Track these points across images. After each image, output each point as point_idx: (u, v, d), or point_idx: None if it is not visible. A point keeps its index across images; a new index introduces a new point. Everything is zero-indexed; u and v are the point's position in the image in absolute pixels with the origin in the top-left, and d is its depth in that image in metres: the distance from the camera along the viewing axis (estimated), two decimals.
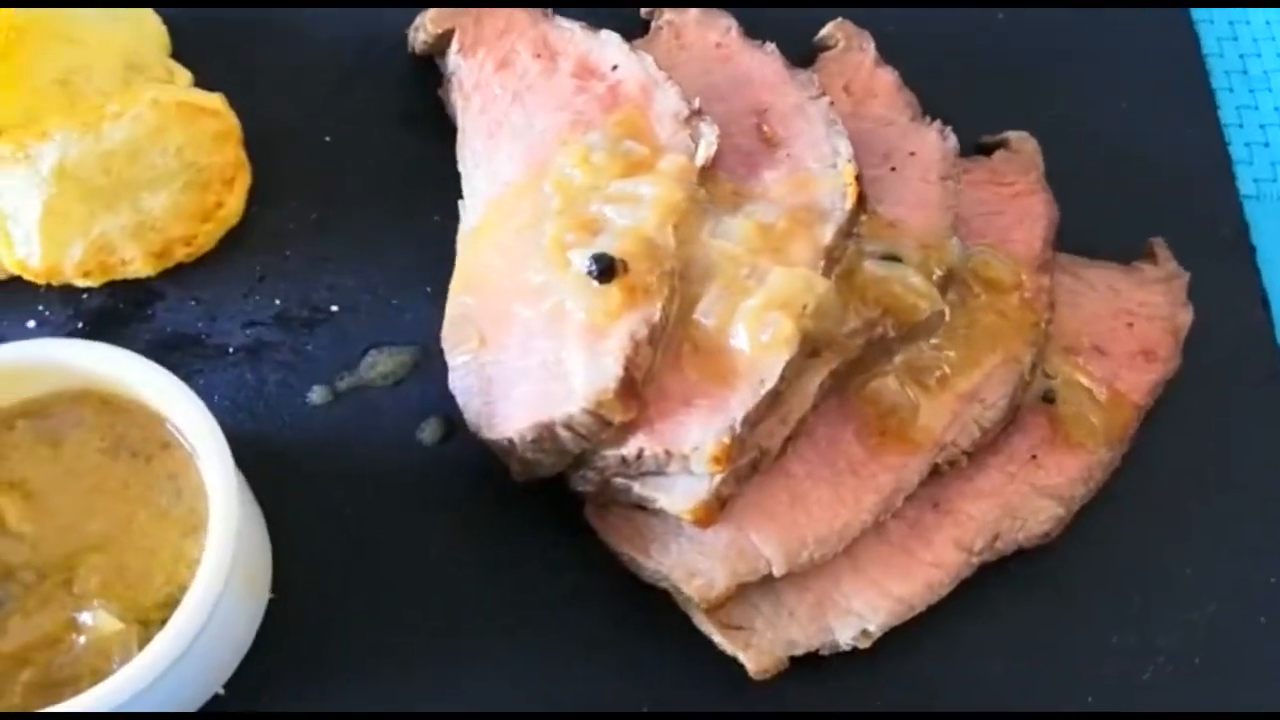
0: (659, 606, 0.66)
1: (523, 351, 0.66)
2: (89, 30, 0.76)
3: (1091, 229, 0.76)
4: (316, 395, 0.72)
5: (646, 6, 0.83)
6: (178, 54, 0.80)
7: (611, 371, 0.62)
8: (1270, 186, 0.81)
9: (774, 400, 0.63)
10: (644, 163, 0.69)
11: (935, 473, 0.67)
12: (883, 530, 0.67)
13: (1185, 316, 0.73)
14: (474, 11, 0.78)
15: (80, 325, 0.74)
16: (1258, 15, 0.86)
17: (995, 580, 0.67)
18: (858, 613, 0.65)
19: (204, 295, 0.75)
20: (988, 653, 0.66)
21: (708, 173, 0.69)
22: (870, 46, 0.80)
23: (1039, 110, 0.81)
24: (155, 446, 0.64)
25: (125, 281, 0.74)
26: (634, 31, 0.81)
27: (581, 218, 0.68)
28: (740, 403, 0.63)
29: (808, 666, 0.65)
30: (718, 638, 0.65)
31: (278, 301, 0.75)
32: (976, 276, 0.70)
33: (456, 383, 0.69)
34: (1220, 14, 0.86)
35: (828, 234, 0.66)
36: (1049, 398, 0.70)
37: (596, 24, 0.78)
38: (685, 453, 0.62)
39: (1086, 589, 0.68)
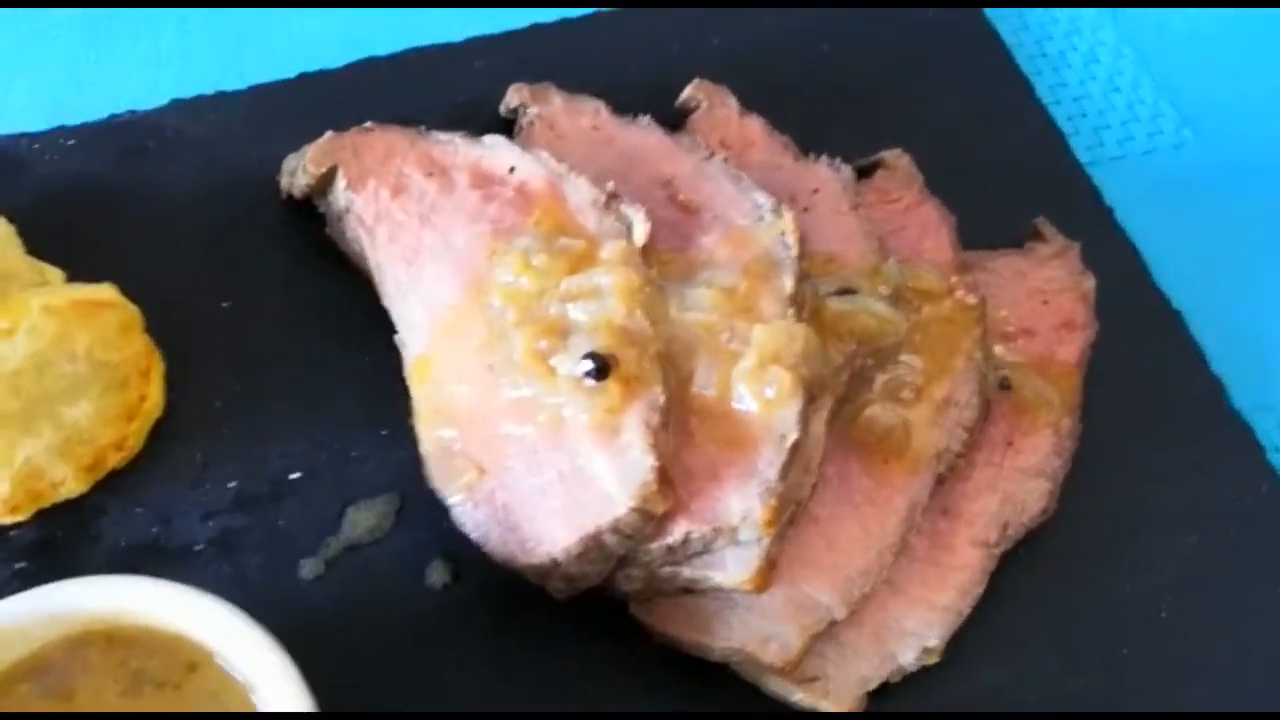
0: (719, 692, 0.66)
1: (532, 470, 0.65)
2: None
3: (968, 226, 0.82)
4: (308, 568, 0.68)
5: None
6: (34, 252, 0.74)
7: (645, 464, 0.62)
8: (1100, 151, 0.89)
9: (796, 451, 0.64)
10: (586, 255, 0.69)
11: (937, 482, 0.71)
12: (908, 549, 0.69)
13: (1088, 282, 0.79)
14: (349, 142, 0.76)
15: (21, 565, 0.66)
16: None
17: (1017, 566, 0.71)
18: (914, 632, 0.67)
19: (148, 499, 0.69)
20: (1036, 630, 0.69)
21: (649, 251, 0.70)
22: (732, 99, 0.83)
23: (877, 127, 0.86)
24: (182, 671, 0.59)
25: (56, 507, 0.68)
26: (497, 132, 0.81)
27: (545, 323, 0.67)
28: (768, 462, 0.64)
29: (882, 697, 0.67)
30: (798, 695, 0.65)
31: (231, 485, 0.70)
32: (912, 290, 0.74)
33: (465, 518, 0.66)
34: (1008, 13, 0.94)
35: (788, 282, 0.68)
36: (1005, 385, 0.74)
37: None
38: (734, 524, 0.62)
39: (1092, 548, 0.72)
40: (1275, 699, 0.69)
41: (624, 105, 0.81)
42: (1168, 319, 0.81)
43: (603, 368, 0.64)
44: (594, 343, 0.65)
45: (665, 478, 0.62)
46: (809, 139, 0.82)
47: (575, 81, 0.83)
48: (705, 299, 0.68)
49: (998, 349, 0.76)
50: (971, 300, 0.74)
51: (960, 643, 0.68)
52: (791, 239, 0.70)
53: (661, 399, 0.64)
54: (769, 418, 0.64)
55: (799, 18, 0.91)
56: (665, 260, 0.70)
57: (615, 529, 0.62)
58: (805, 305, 0.68)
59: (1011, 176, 0.86)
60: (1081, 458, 0.74)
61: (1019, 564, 0.71)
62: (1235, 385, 0.79)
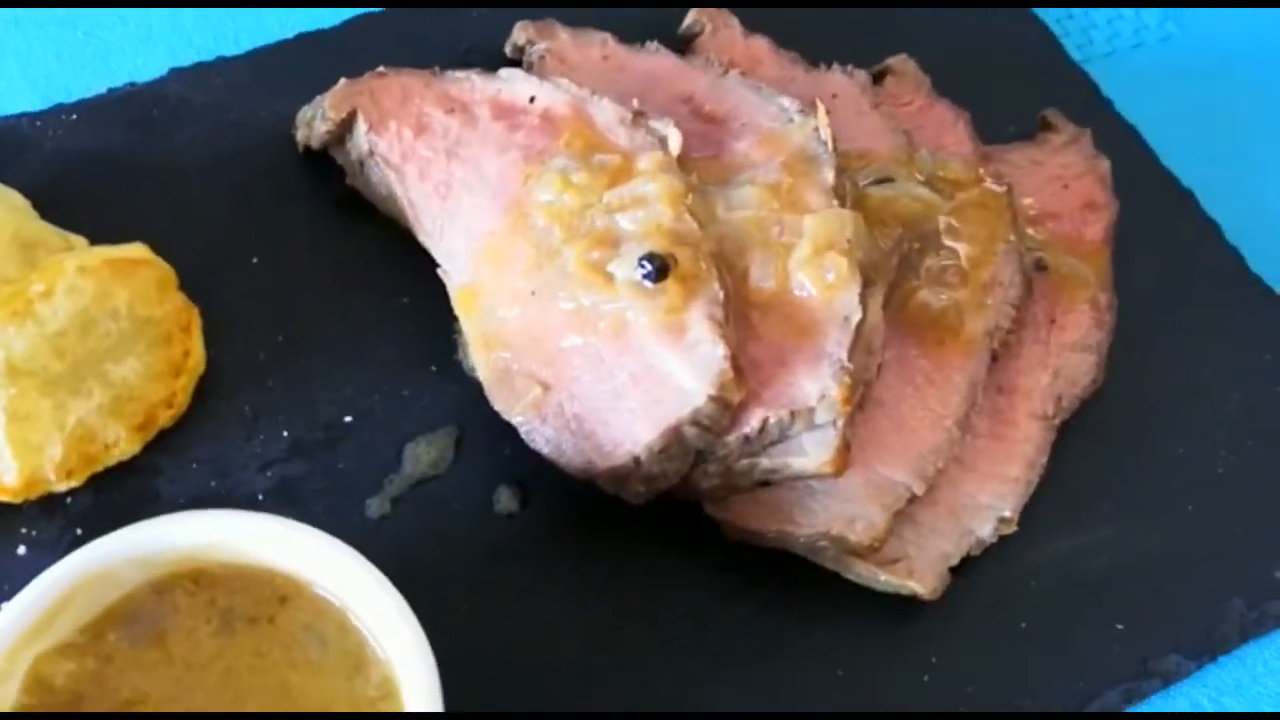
0: (800, 589, 0.66)
1: (601, 377, 0.64)
2: None
3: (977, 126, 0.82)
4: (374, 507, 0.67)
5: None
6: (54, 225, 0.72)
7: (716, 354, 0.61)
8: (1091, 49, 0.90)
9: (860, 331, 0.64)
10: (624, 169, 0.68)
11: (991, 360, 0.71)
12: (971, 428, 0.69)
13: (1103, 164, 0.80)
14: (365, 88, 0.75)
15: (79, 533, 0.64)
16: None
17: (1074, 436, 0.72)
18: (989, 505, 0.67)
19: (202, 455, 0.67)
20: (1101, 496, 0.70)
21: (684, 161, 0.69)
22: (735, 21, 0.83)
23: (873, 40, 0.86)
24: (274, 605, 0.57)
25: (110, 471, 0.66)
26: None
27: (595, 235, 0.66)
28: (836, 343, 0.63)
29: (967, 572, 0.67)
30: (884, 576, 0.65)
31: (285, 434, 0.68)
32: (942, 180, 0.75)
33: (535, 435, 0.65)
34: None
35: (829, 175, 0.68)
36: (1041, 266, 0.75)
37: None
38: (811, 405, 0.62)
39: (1143, 415, 0.73)
40: None
41: (627, 38, 0.82)
42: (1180, 197, 0.83)
43: (661, 268, 0.63)
44: (647, 248, 0.65)
45: (739, 366, 0.62)
46: (810, 54, 0.84)
47: (574, 21, 0.83)
48: (751, 196, 0.68)
49: (1030, 232, 0.77)
50: (999, 188, 0.75)
51: (1030, 513, 0.68)
52: (825, 133, 0.70)
53: (721, 294, 0.64)
54: (830, 301, 0.64)
55: None
56: (702, 167, 0.70)
57: (695, 420, 0.62)
58: (848, 196, 0.69)
59: (1011, 77, 0.87)
60: (1120, 331, 0.75)
61: (1076, 434, 0.72)
62: (1250, 255, 0.81)
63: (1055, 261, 0.76)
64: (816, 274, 0.65)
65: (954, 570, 0.66)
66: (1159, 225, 0.81)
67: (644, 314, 0.64)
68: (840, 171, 0.69)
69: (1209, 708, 0.67)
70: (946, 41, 0.88)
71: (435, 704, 0.54)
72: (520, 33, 0.81)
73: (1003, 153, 0.81)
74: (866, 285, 0.66)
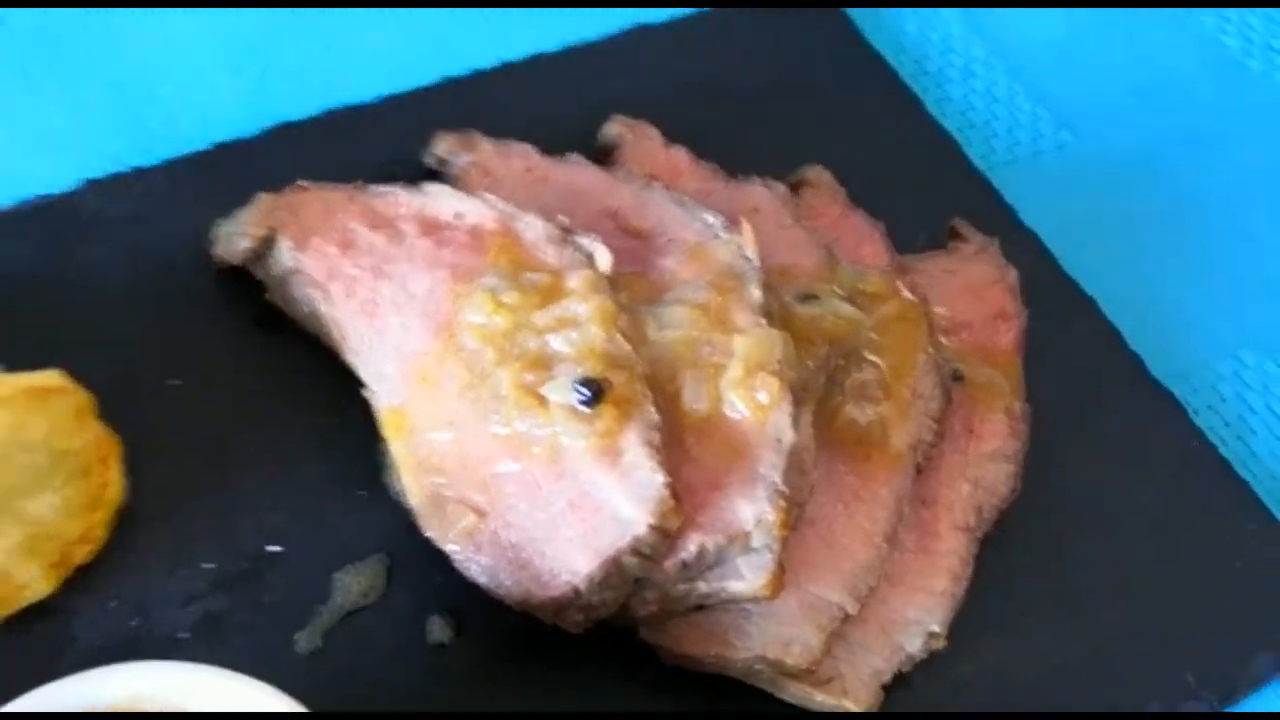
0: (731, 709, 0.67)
1: (537, 504, 0.64)
2: None
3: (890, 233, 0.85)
4: (303, 642, 0.65)
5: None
6: None
7: (655, 482, 0.61)
8: (993, 158, 0.93)
9: (793, 453, 0.65)
10: (554, 288, 0.69)
11: (916, 477, 0.72)
12: (897, 543, 0.71)
13: (1012, 274, 0.83)
14: (286, 203, 0.74)
15: None
16: (910, 24, 1.00)
17: (996, 548, 0.73)
18: (917, 620, 0.68)
19: (120, 592, 0.65)
20: (1026, 605, 0.72)
21: (613, 278, 0.70)
22: (654, 131, 0.84)
23: (779, 151, 0.88)
24: None
25: (21, 613, 0.63)
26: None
27: (528, 357, 0.66)
28: (770, 465, 0.64)
29: (899, 689, 0.68)
30: (819, 697, 0.65)
31: (208, 566, 0.66)
32: (861, 293, 0.76)
33: (469, 564, 0.64)
34: (884, 34, 0.99)
35: (755, 292, 0.69)
36: (958, 376, 0.77)
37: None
38: (748, 529, 0.63)
39: (1061, 524, 0.75)
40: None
41: (548, 149, 0.82)
42: (1081, 304, 0.86)
43: (597, 393, 0.64)
44: (581, 370, 0.65)
45: (676, 493, 0.62)
46: (722, 164, 0.85)
47: (495, 131, 0.83)
48: (680, 316, 0.68)
49: (944, 343, 0.79)
50: (917, 299, 0.77)
51: (960, 625, 0.70)
52: (750, 251, 0.71)
53: (656, 417, 0.64)
54: (763, 423, 0.65)
55: (694, 57, 0.94)
56: (630, 284, 0.71)
57: (635, 549, 0.61)
58: (775, 314, 0.70)
59: (916, 185, 0.89)
60: (1032, 439, 0.78)
61: (997, 545, 0.73)
62: (1150, 358, 0.84)
63: (971, 371, 0.78)
64: (748, 395, 0.66)
65: (886, 687, 0.67)
66: (1063, 332, 0.83)
67: (579, 438, 0.64)
68: (767, 289, 0.71)
69: None
70: (852, 148, 0.90)
71: None
72: (441, 144, 0.81)
73: (916, 262, 0.83)
74: (797, 405, 0.67)
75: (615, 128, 0.84)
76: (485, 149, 0.81)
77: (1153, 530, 0.76)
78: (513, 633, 0.66)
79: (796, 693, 0.66)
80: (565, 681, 0.66)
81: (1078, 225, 0.90)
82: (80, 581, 0.64)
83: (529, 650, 0.66)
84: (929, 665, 0.68)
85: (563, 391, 0.64)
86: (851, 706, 0.65)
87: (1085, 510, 0.76)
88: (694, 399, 0.66)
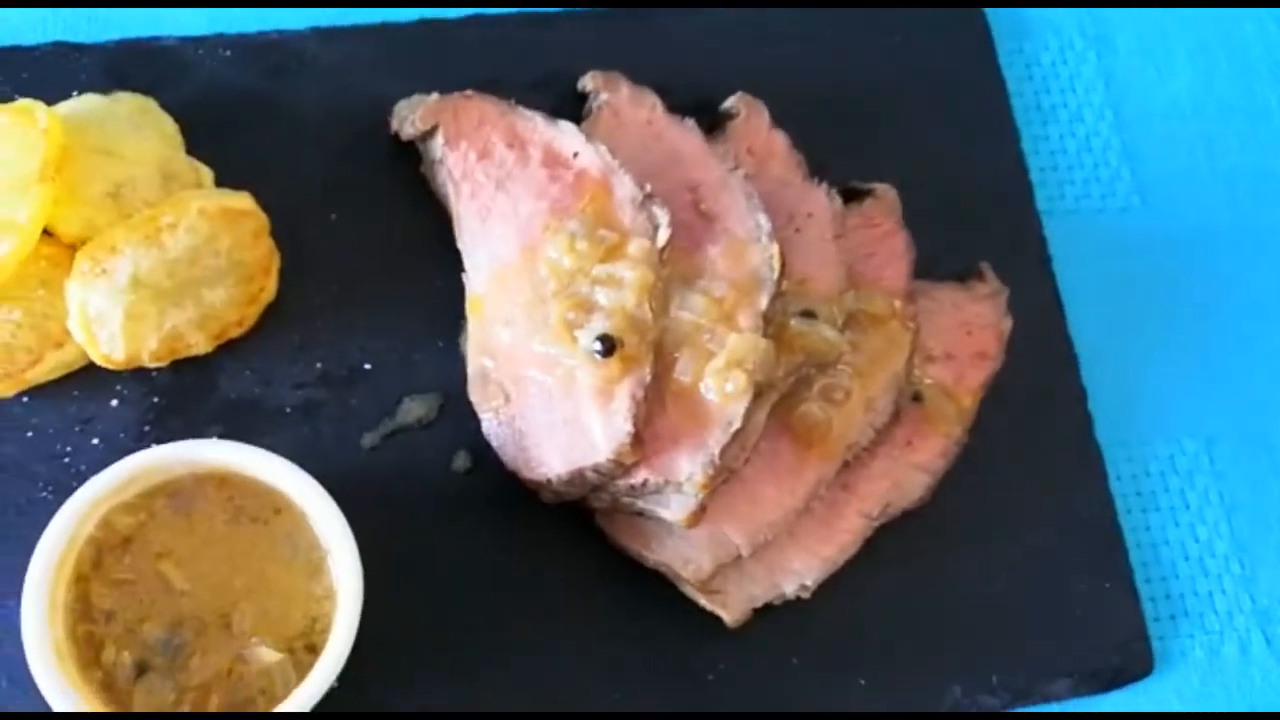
0: (655, 585, 0.90)
1: (545, 410, 0.87)
2: (123, 143, 0.89)
3: (928, 244, 0.99)
4: (367, 440, 0.91)
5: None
6: (190, 150, 0.93)
7: (625, 429, 0.84)
8: (1059, 204, 1.06)
9: (738, 435, 0.86)
10: (617, 248, 0.88)
11: (844, 464, 0.92)
12: (811, 511, 0.92)
13: (1007, 323, 0.98)
14: (451, 106, 0.94)
15: (156, 400, 0.89)
16: (1046, 54, 1.10)
17: (887, 536, 0.93)
18: (797, 571, 0.90)
19: (255, 365, 0.91)
20: (887, 585, 0.93)
21: (666, 252, 0.89)
22: (765, 113, 1.00)
23: (877, 150, 1.03)
24: (269, 512, 0.82)
25: (186, 360, 0.90)
26: (569, 107, 0.99)
27: (576, 299, 0.87)
28: (715, 441, 0.85)
29: (764, 614, 0.90)
30: (703, 601, 0.88)
31: (319, 365, 0.92)
32: (863, 313, 0.94)
33: (490, 431, 0.89)
34: (1018, 57, 1.10)
35: (764, 301, 0.88)
36: (917, 397, 0.95)
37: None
38: (680, 480, 0.85)
39: (952, 536, 0.95)
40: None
41: (679, 98, 0.99)
42: (1064, 359, 1.01)
43: (610, 348, 0.85)
44: (609, 324, 0.86)
45: (638, 440, 0.84)
46: (814, 146, 1.00)
47: (646, 65, 1.00)
48: (699, 304, 0.88)
49: (922, 366, 0.96)
50: (909, 327, 0.94)
51: (827, 585, 0.91)
52: (776, 265, 0.89)
53: (648, 378, 0.85)
54: (724, 407, 0.86)
55: (830, 46, 1.07)
56: (679, 263, 0.90)
57: (595, 469, 0.84)
58: (773, 321, 0.88)
59: (975, 214, 1.03)
60: (961, 462, 0.96)
61: (885, 534, 0.93)
62: (1102, 421, 0.99)
63: (931, 396, 0.95)
64: (721, 383, 0.86)
65: (756, 610, 0.90)
66: (1034, 379, 0.99)
67: (589, 377, 0.86)
68: (777, 295, 0.89)
69: None
70: (939, 162, 1.04)
71: (354, 613, 0.79)
72: (589, 80, 0.99)
73: (932, 289, 0.99)
74: (756, 399, 0.87)
75: (735, 101, 1.00)
76: (623, 93, 0.98)
77: (1020, 561, 0.95)
78: (511, 484, 0.90)
79: (689, 592, 0.89)
80: (537, 530, 0.91)
81: (1102, 286, 1.04)
82: (229, 351, 0.91)
83: (518, 499, 0.90)
84: (792, 605, 0.90)
85: (588, 338, 0.85)
86: (725, 616, 0.89)
87: (976, 528, 0.95)
88: (683, 371, 0.86)
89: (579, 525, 0.90)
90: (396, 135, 0.97)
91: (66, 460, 0.87)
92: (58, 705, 0.76)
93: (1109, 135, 1.09)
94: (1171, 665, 0.95)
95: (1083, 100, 1.10)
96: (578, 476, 0.85)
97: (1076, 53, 1.11)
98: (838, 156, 1.00)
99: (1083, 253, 1.05)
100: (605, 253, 0.88)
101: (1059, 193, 1.07)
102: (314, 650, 0.79)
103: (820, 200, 0.97)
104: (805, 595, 0.90)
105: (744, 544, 0.88)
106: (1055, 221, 1.05)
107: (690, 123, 0.98)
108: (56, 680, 0.76)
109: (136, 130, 0.90)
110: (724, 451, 0.85)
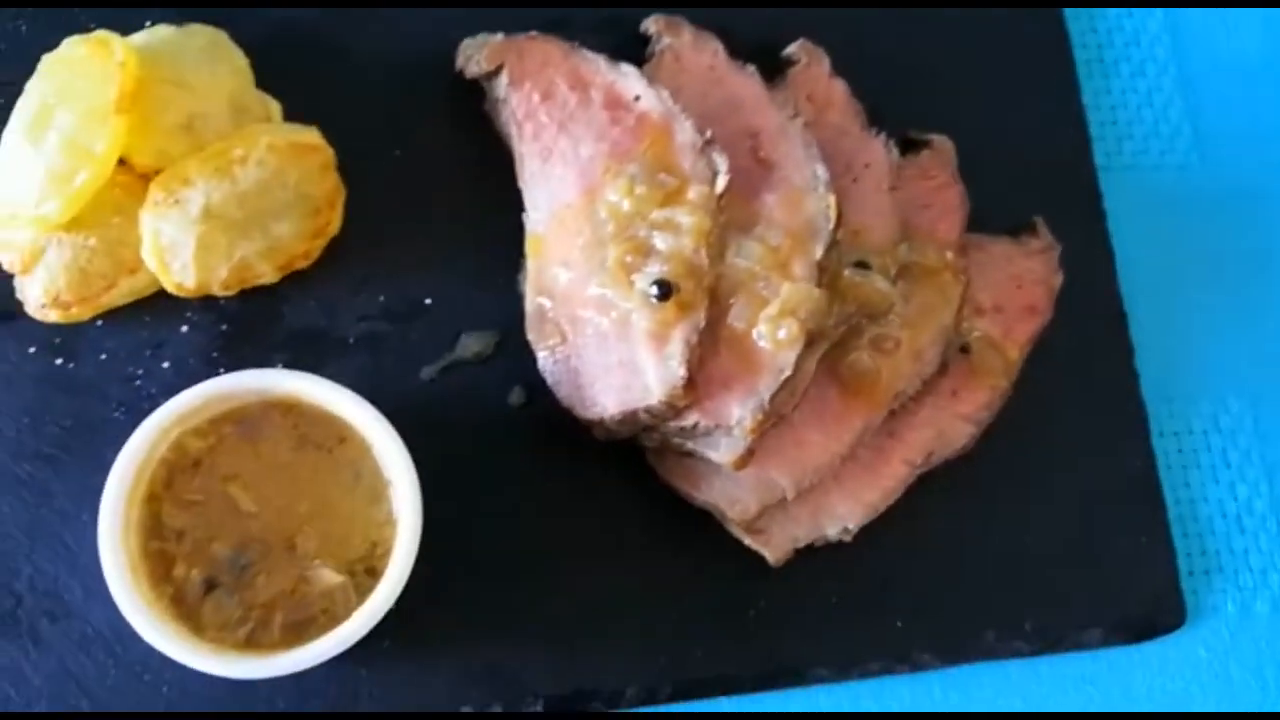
0: (701, 523, 0.93)
1: (600, 351, 0.89)
2: (195, 75, 0.91)
3: (984, 196, 1.00)
4: (426, 373, 0.93)
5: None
6: (260, 84, 0.95)
7: (678, 373, 0.86)
8: (1116, 159, 1.06)
9: (788, 382, 0.88)
10: (676, 192, 0.90)
11: (890, 413, 0.94)
12: (856, 456, 0.94)
13: (1057, 279, 0.99)
14: (516, 46, 0.96)
15: (224, 328, 0.92)
16: (1114, 6, 1.10)
17: (929, 483, 0.95)
18: (840, 515, 0.93)
19: (320, 296, 0.94)
20: (927, 531, 0.95)
21: (724, 198, 0.90)
22: (826, 61, 1.01)
23: (934, 99, 1.03)
24: (333, 440, 0.85)
25: (254, 289, 0.93)
26: (631, 49, 0.99)
27: (634, 242, 0.89)
28: (766, 386, 0.87)
29: (805, 554, 0.93)
30: (747, 540, 0.91)
31: (381, 298, 0.94)
32: (915, 264, 0.95)
33: (546, 369, 0.91)
34: (1083, 8, 1.09)
35: (819, 251, 0.89)
36: (965, 349, 0.96)
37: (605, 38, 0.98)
38: (730, 424, 0.87)
39: (993, 486, 0.97)
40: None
41: (740, 42, 1.00)
42: (1113, 316, 1.02)
43: (666, 292, 0.87)
44: (666, 268, 0.87)
45: (691, 384, 0.86)
46: (872, 95, 1.00)
47: (707, 9, 1.01)
48: (755, 251, 0.89)
49: (971, 318, 0.97)
50: (960, 280, 0.95)
51: (868, 529, 0.93)
52: (832, 214, 0.90)
53: (702, 323, 0.87)
54: (775, 354, 0.87)
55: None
56: (737, 210, 0.91)
57: (648, 410, 0.87)
58: (827, 270, 0.90)
59: (1033, 166, 1.03)
60: (1005, 413, 0.97)
61: (928, 482, 0.95)
62: (1148, 378, 1.01)
63: (978, 349, 0.97)
64: (773, 330, 0.87)
65: (798, 550, 0.93)
66: (1082, 334, 1.00)
67: (644, 320, 0.87)
68: (831, 245, 0.90)
69: (935, 695, 0.95)
70: (997, 114, 1.04)
71: (414, 540, 0.82)
72: (652, 23, 0.99)
73: (984, 242, 1.00)
74: (807, 346, 0.88)
75: (797, 48, 1.01)
76: (685, 37, 0.99)
77: (1059, 512, 0.97)
78: (564, 421, 0.93)
79: (734, 531, 0.92)
80: (588, 465, 0.93)
81: (1155, 243, 1.04)
82: (295, 281, 0.93)
83: (572, 433, 0.93)
84: (833, 547, 0.93)
85: (645, 282, 0.87)
86: (768, 555, 0.91)
87: (1016, 478, 0.97)
88: (737, 318, 0.88)
89: (629, 462, 0.93)
90: (460, 73, 0.98)
91: (138, 383, 0.90)
92: (131, 617, 0.79)
93: (1171, 91, 1.09)
94: (1203, 619, 0.98)
95: (1146, 54, 1.09)
96: (630, 417, 0.87)
97: (1145, 9, 1.11)
98: (895, 105, 1.01)
99: (1138, 209, 1.05)
100: (664, 197, 0.90)
101: (1117, 148, 1.07)
102: (374, 574, 0.83)
103: (878, 151, 0.98)
104: (847, 538, 0.93)
105: (789, 487, 0.91)
106: (1112, 177, 1.05)
107: (751, 69, 0.98)
108: (130, 593, 0.80)
109: (209, 63, 0.91)
110: (774, 397, 0.87)
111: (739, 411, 0.87)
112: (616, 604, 0.92)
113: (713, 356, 0.89)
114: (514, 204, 0.95)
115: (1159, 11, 1.10)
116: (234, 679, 0.81)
